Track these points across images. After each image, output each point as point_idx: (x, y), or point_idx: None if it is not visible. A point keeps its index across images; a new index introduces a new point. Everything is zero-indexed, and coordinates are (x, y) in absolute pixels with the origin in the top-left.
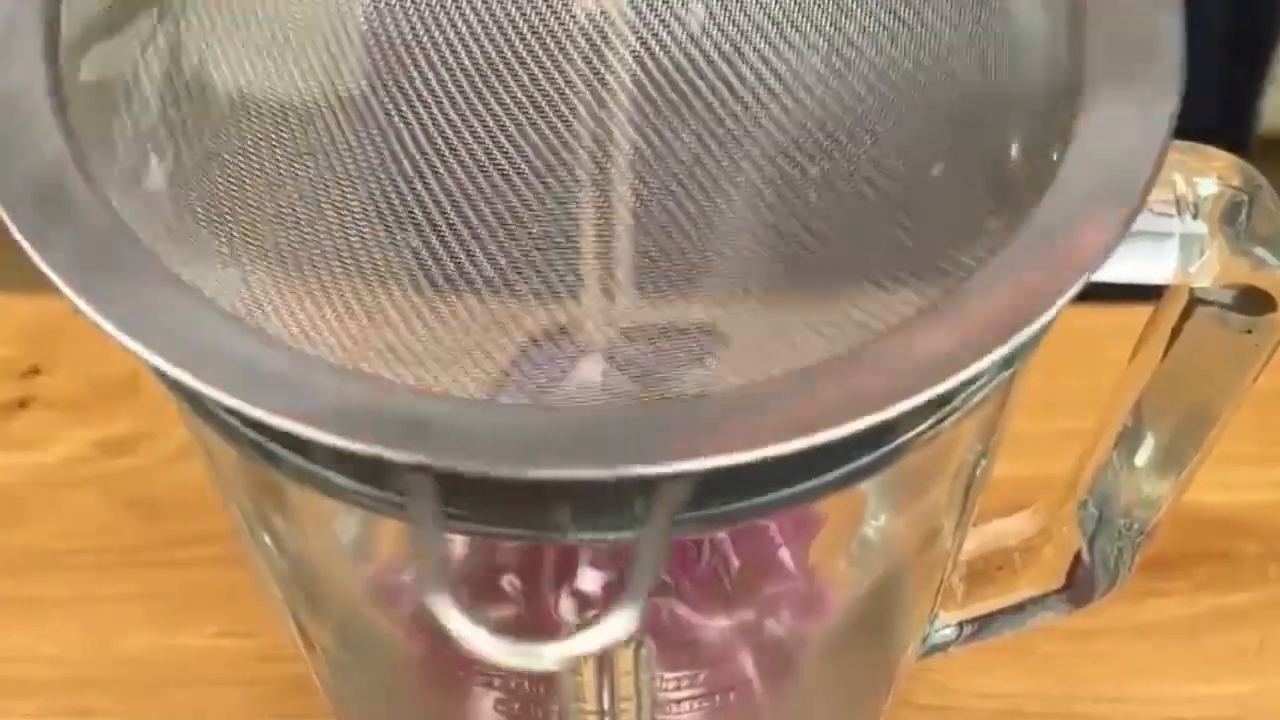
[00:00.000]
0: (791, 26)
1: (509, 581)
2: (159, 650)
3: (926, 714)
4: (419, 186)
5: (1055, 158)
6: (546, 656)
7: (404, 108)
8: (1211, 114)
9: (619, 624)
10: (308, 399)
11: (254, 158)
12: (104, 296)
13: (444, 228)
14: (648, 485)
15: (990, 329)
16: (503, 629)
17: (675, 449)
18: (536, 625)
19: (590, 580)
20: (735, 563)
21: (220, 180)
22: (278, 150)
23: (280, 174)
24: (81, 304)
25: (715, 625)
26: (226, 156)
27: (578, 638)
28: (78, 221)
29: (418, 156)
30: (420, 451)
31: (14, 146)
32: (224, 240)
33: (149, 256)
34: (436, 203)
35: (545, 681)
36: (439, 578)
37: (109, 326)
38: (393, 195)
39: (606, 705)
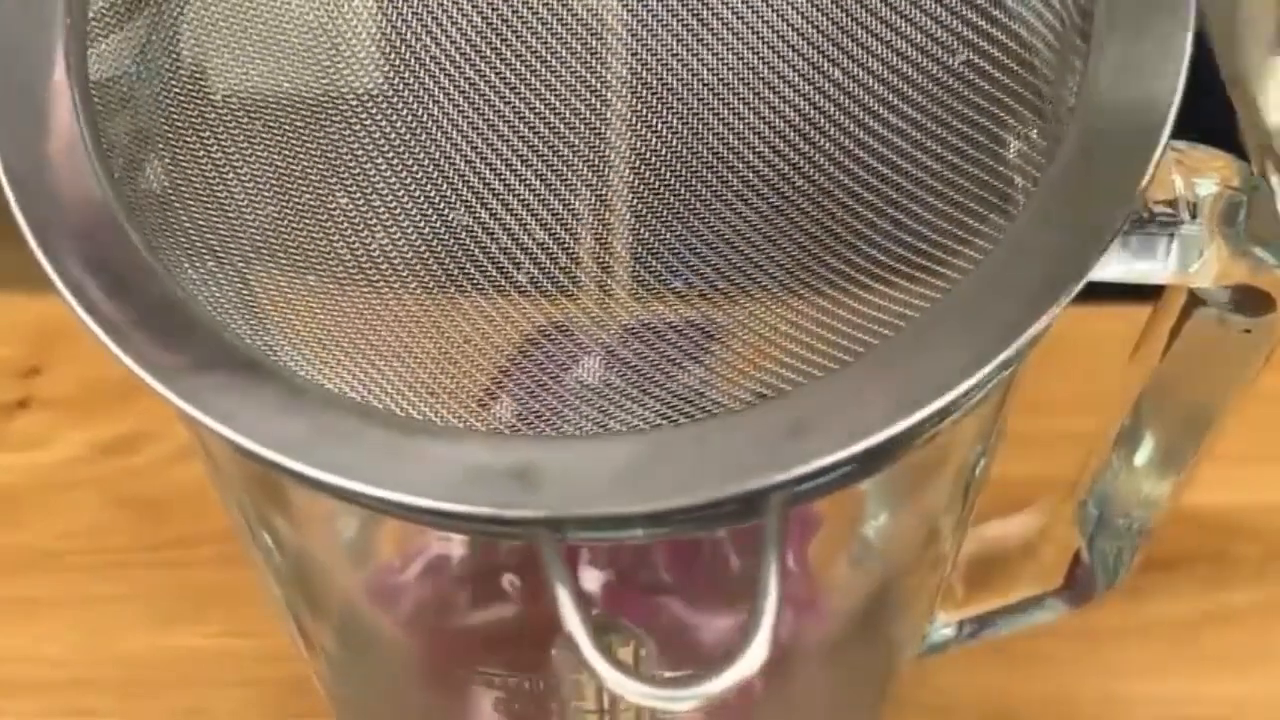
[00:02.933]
0: (788, 20)
1: (509, 581)
2: (159, 650)
3: (926, 714)
4: (423, 184)
5: (1053, 154)
6: (684, 699)
7: (405, 106)
8: (1221, 113)
9: (754, 656)
10: (410, 465)
11: (259, 161)
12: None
13: (450, 224)
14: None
15: (992, 331)
16: (503, 629)
17: (784, 455)
18: (536, 625)
19: (589, 580)
20: (735, 563)
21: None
22: (275, 154)
23: (282, 177)
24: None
25: (715, 625)
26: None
27: (715, 679)
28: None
29: (419, 155)
30: (541, 506)
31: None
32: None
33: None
34: (442, 198)
35: (545, 681)
36: (583, 620)
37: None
38: (394, 194)
39: (606, 705)
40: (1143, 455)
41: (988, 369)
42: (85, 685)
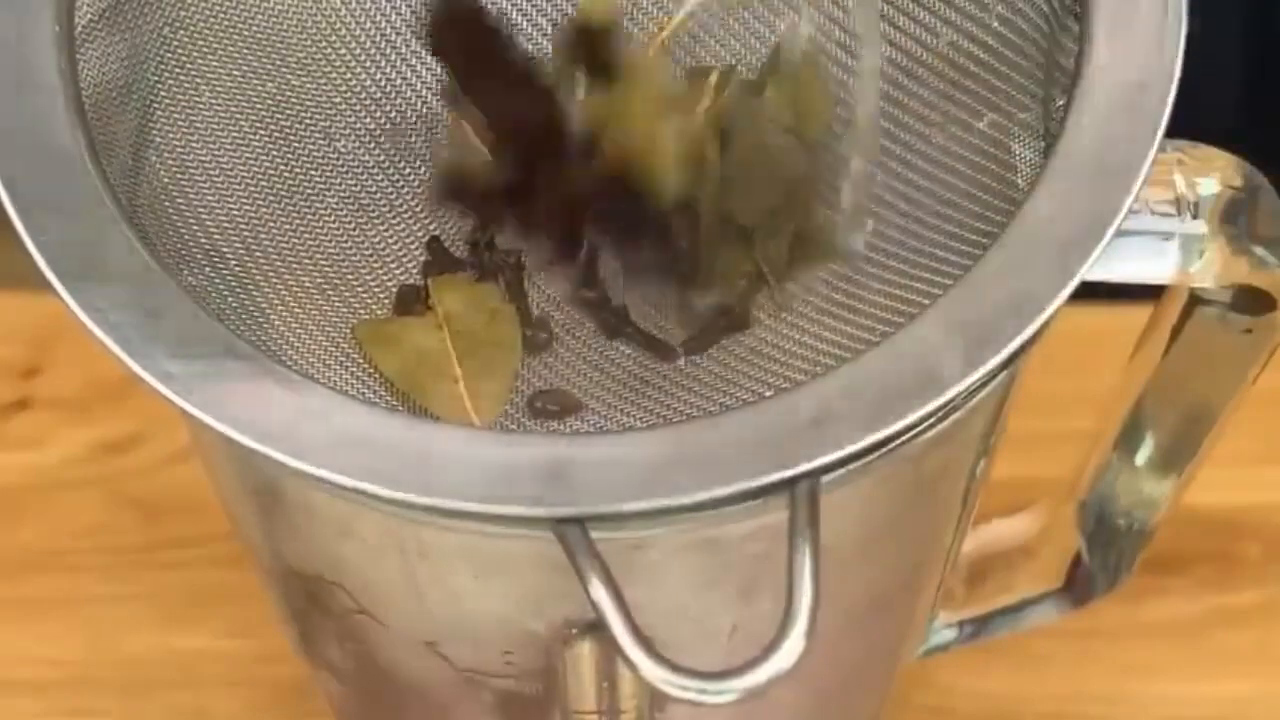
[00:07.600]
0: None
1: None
2: (159, 650)
3: (926, 714)
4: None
5: (1046, 152)
6: (723, 692)
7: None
8: (1230, 115)
9: (792, 648)
10: (438, 471)
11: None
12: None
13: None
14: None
15: (991, 333)
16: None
17: (807, 444)
18: (537, 623)
19: None
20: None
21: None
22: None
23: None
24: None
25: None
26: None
27: (752, 672)
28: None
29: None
30: (575, 503)
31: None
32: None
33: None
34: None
35: (546, 682)
36: (620, 613)
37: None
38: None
39: (606, 706)
40: (1143, 455)
41: (1002, 355)
42: (86, 685)
